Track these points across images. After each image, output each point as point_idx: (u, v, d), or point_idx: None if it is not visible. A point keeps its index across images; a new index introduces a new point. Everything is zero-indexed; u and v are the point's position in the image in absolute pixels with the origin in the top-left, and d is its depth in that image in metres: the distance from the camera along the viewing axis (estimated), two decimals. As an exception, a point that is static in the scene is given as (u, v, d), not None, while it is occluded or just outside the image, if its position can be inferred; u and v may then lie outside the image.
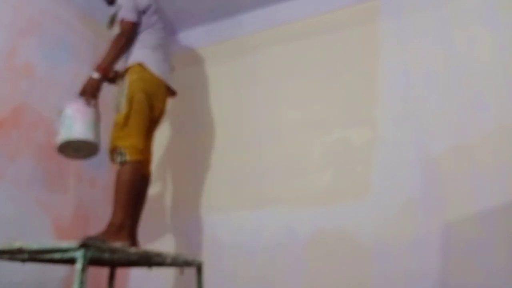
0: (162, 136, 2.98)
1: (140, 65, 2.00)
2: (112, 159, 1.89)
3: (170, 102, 3.06)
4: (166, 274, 2.55)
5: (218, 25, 3.01)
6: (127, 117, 1.89)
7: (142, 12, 2.09)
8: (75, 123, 1.80)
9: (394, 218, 2.10)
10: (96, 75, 1.87)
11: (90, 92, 1.87)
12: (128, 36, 2.00)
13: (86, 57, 2.63)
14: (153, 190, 2.83)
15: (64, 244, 1.33)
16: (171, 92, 2.19)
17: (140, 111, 1.92)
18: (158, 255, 1.71)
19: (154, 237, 2.67)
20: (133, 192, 1.84)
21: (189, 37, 3.12)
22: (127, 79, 1.98)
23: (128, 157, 1.84)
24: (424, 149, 2.15)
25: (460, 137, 2.09)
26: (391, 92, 2.32)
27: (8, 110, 2.12)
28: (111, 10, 2.18)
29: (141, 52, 2.03)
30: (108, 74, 1.93)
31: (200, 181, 2.69)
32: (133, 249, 1.60)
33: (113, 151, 1.87)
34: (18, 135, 2.15)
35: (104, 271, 2.35)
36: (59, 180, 2.37)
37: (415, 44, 2.34)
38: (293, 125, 2.52)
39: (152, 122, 2.09)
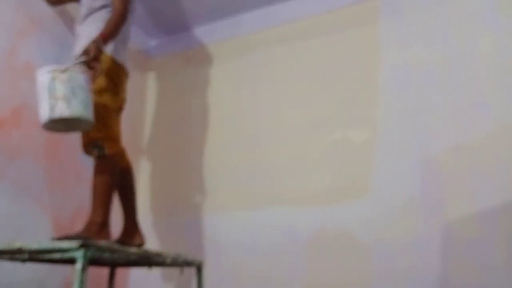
0: (162, 135, 2.98)
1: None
2: (88, 153, 1.80)
3: (172, 102, 3.08)
4: (166, 274, 2.55)
5: (219, 25, 3.01)
6: (96, 106, 1.75)
7: None
8: (90, 99, 1.62)
9: (394, 218, 2.10)
10: (101, 44, 1.74)
11: (97, 63, 1.71)
12: (126, 16, 1.90)
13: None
14: (152, 189, 2.83)
15: (64, 244, 1.33)
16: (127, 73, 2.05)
17: (108, 98, 1.84)
18: (158, 255, 1.71)
19: (154, 237, 2.67)
20: (113, 187, 1.78)
21: (190, 36, 3.12)
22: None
23: (106, 150, 1.76)
24: (424, 149, 2.15)
25: (460, 137, 2.09)
26: (391, 92, 2.32)
27: (8, 110, 2.12)
28: None
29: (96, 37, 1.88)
30: (105, 45, 1.79)
31: (200, 181, 2.69)
32: (133, 249, 1.60)
33: (88, 144, 1.78)
34: (18, 135, 2.15)
35: (104, 271, 2.35)
36: (59, 180, 2.37)
37: (415, 44, 2.34)
38: (294, 125, 2.52)
39: (119, 111, 2.01)
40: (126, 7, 1.90)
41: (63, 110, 1.56)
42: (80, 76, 1.62)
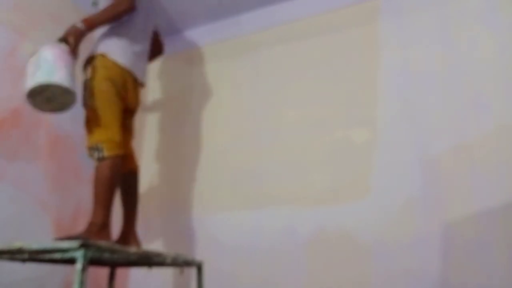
0: (162, 135, 2.98)
1: (103, 56, 1.91)
2: (91, 156, 1.82)
3: (172, 102, 3.08)
4: (166, 274, 2.55)
5: (219, 25, 3.01)
6: (96, 110, 1.81)
7: None
8: (58, 68, 1.64)
9: (394, 218, 2.10)
10: (80, 25, 1.79)
11: (73, 39, 1.75)
12: (126, 7, 1.91)
13: (86, 56, 2.63)
14: (153, 190, 2.83)
15: (64, 244, 1.33)
16: (140, 83, 2.07)
17: (109, 100, 1.85)
18: (158, 255, 1.71)
19: (154, 237, 2.67)
20: (113, 189, 1.78)
21: (190, 36, 3.12)
22: (89, 69, 1.91)
23: (106, 153, 1.77)
24: (424, 149, 2.15)
25: (460, 137, 2.09)
26: (391, 92, 2.32)
27: (8, 110, 2.12)
28: None
29: (104, 41, 1.96)
30: (92, 30, 1.84)
31: (200, 180, 2.69)
32: (133, 249, 1.60)
33: (90, 148, 1.81)
34: (18, 135, 2.15)
35: (104, 271, 2.35)
36: (59, 180, 2.37)
37: (415, 44, 2.34)
38: (293, 124, 2.52)
39: (126, 113, 2.03)
40: (121, 2, 1.92)
41: (29, 83, 1.65)
42: (46, 52, 1.68)
